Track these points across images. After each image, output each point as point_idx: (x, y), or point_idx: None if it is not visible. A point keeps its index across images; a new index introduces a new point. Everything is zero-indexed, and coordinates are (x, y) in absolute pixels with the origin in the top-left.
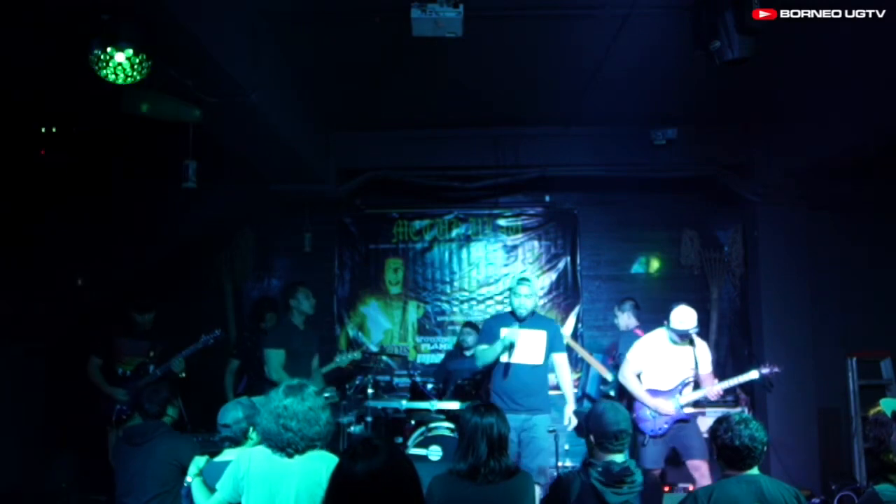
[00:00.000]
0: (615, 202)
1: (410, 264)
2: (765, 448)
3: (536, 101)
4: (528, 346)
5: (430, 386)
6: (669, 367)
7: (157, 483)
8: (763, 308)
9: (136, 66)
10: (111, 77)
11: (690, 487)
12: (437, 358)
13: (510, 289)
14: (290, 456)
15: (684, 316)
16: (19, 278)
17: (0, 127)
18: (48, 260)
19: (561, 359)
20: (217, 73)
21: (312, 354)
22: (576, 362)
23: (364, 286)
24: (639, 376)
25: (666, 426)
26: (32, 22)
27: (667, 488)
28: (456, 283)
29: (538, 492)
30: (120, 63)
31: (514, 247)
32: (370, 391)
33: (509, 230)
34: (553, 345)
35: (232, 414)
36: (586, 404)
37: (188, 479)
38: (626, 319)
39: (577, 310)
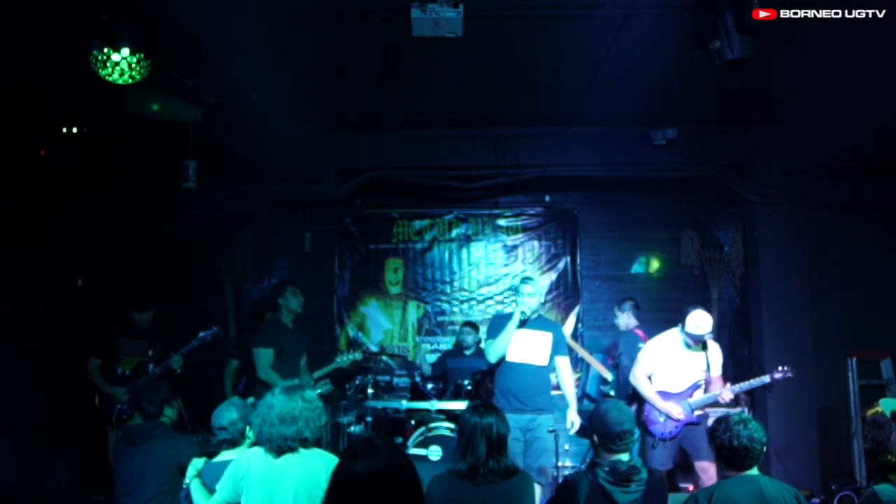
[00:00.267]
0: (615, 202)
1: (410, 264)
2: (764, 448)
3: (536, 101)
4: (533, 347)
5: (430, 386)
6: (681, 370)
7: (156, 483)
8: (763, 308)
9: (135, 66)
10: (111, 77)
11: (691, 487)
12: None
13: (514, 289)
14: (276, 455)
15: (701, 320)
16: (19, 278)
17: (0, 127)
18: (48, 260)
19: (563, 362)
20: (217, 73)
21: (301, 354)
22: (576, 362)
23: (364, 286)
24: (649, 377)
25: (676, 429)
26: (33, 22)
27: None
28: (456, 283)
29: (538, 492)
30: (119, 63)
31: (514, 247)
32: (370, 391)
33: (509, 230)
34: (557, 348)
35: (227, 415)
36: (586, 404)
37: (186, 480)
38: (625, 319)
39: (577, 310)
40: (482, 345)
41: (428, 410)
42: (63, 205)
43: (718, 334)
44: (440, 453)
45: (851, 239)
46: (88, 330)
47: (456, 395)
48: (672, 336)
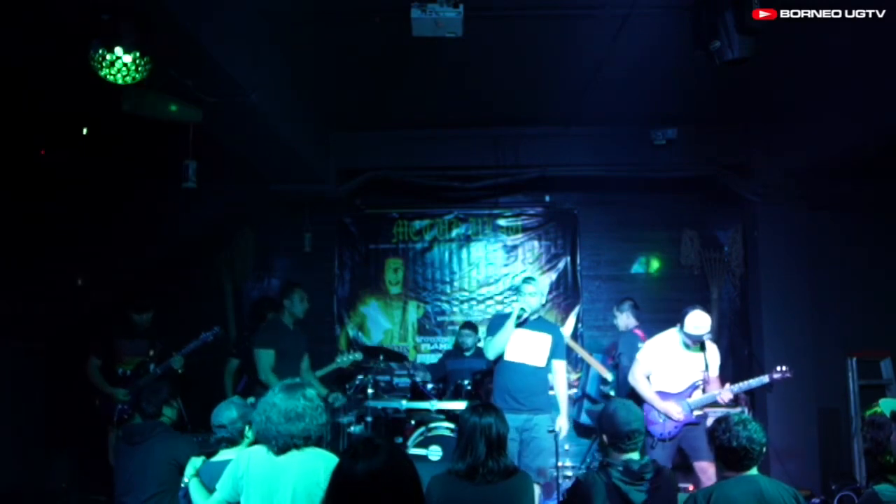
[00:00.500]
0: (615, 202)
1: (410, 264)
2: (763, 449)
3: (536, 101)
4: (532, 347)
5: (430, 386)
6: (680, 370)
7: (156, 482)
8: (763, 308)
9: (136, 67)
10: (111, 77)
11: (691, 488)
12: (438, 358)
13: (516, 288)
14: (279, 453)
15: (700, 321)
16: (19, 278)
17: (0, 127)
18: (48, 260)
19: (560, 366)
20: (217, 73)
21: (302, 355)
22: (576, 362)
23: (364, 286)
24: (648, 378)
25: (675, 430)
26: (33, 22)
27: None
28: (456, 283)
29: (538, 492)
30: (119, 63)
31: (514, 247)
32: (370, 391)
33: (509, 230)
34: (555, 351)
35: (226, 414)
36: (586, 404)
37: (185, 480)
38: (625, 319)
39: (576, 310)
40: (481, 345)
41: (428, 410)
42: (63, 205)
43: (718, 334)
44: (440, 453)
45: (851, 239)
46: (88, 330)
47: (456, 396)
48: (670, 336)
